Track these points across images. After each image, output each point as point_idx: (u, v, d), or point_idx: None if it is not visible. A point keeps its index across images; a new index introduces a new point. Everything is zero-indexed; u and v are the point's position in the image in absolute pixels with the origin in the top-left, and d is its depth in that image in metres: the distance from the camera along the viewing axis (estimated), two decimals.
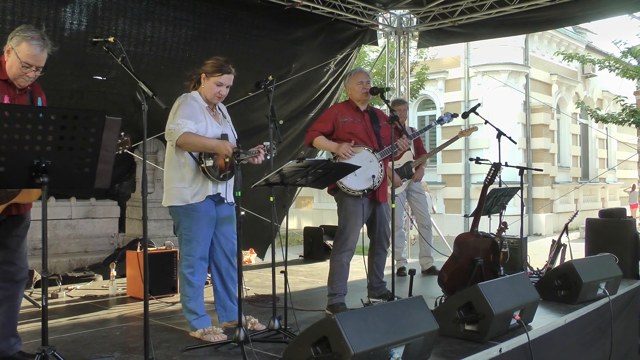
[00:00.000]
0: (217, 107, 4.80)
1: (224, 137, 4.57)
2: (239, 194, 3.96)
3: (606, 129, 22.81)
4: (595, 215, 7.62)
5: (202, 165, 4.47)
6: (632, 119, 15.51)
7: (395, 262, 7.65)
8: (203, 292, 4.72)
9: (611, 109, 25.43)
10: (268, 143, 4.72)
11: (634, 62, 16.48)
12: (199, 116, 4.54)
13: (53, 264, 7.94)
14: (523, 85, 20.13)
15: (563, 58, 18.75)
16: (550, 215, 20.44)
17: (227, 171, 4.57)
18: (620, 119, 15.85)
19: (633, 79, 16.35)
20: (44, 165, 2.99)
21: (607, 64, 15.87)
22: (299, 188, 9.95)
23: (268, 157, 4.79)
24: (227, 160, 4.41)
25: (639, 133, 18.82)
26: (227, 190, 4.63)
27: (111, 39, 3.48)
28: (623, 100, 15.74)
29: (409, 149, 7.55)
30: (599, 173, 24.71)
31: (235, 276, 4.72)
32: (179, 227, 4.65)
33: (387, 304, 3.78)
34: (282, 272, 4.46)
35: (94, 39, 3.52)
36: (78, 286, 6.99)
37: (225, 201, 4.66)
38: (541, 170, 8.98)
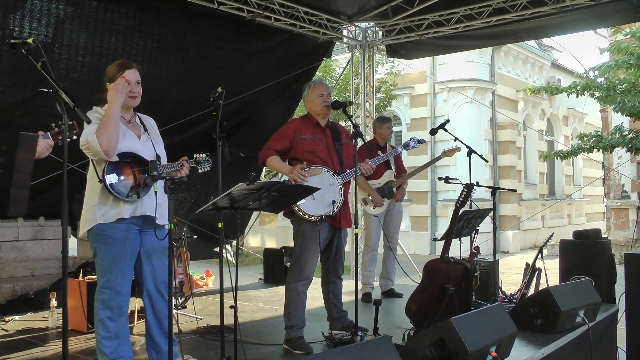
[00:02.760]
0: (136, 119, 4.27)
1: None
2: (172, 226, 3.45)
3: (572, 145, 22.78)
4: (562, 232, 7.34)
5: (104, 184, 3.86)
6: (599, 144, 15.45)
7: (361, 286, 7.27)
8: (123, 331, 4.07)
9: (577, 127, 25.53)
10: (200, 155, 4.27)
11: (600, 80, 16.42)
12: None
13: None
14: (489, 102, 19.96)
15: (531, 93, 18.83)
16: (518, 233, 20.22)
17: (139, 188, 3.98)
18: (587, 147, 15.85)
19: (605, 103, 16.33)
20: None
21: (576, 89, 15.75)
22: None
23: (200, 171, 4.32)
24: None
25: (605, 151, 18.72)
26: (155, 210, 3.97)
27: (30, 40, 3.00)
28: (589, 133, 15.92)
29: (393, 170, 7.26)
30: (565, 190, 24.67)
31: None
32: (95, 255, 4.04)
33: (349, 347, 3.32)
34: (231, 307, 3.97)
35: (12, 40, 3.03)
36: (16, 317, 6.45)
37: (156, 222, 4.01)
38: (515, 190, 8.67)
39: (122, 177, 3.93)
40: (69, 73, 6.89)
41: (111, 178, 3.88)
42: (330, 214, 5.00)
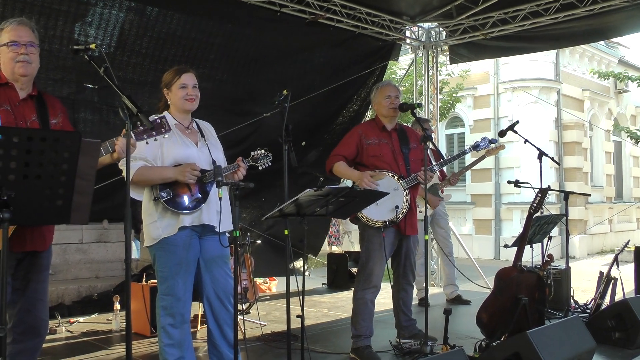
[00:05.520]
0: (194, 124, 4.18)
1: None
2: (237, 234, 3.33)
3: None
4: (631, 236, 7.02)
5: (160, 200, 3.82)
6: None
7: (416, 291, 7.13)
8: (186, 338, 3.98)
9: None
10: (258, 151, 4.17)
11: None
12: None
13: (61, 291, 7.48)
14: (554, 102, 19.37)
15: (598, 77, 18.04)
16: (584, 237, 19.55)
17: (196, 197, 3.90)
18: None
19: None
20: (5, 197, 2.46)
21: None
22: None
23: (260, 168, 4.21)
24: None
25: None
26: (216, 218, 3.85)
27: (93, 46, 2.95)
28: None
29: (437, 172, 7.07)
30: (634, 193, 23.79)
31: (231, 321, 4.03)
32: (154, 263, 3.98)
33: None
34: (298, 316, 3.87)
35: (75, 47, 2.98)
36: (81, 319, 6.50)
37: (216, 230, 3.87)
38: (589, 195, 8.29)
39: (176, 192, 3.87)
40: (128, 77, 6.93)
41: (165, 194, 3.82)
42: (394, 219, 4.83)
